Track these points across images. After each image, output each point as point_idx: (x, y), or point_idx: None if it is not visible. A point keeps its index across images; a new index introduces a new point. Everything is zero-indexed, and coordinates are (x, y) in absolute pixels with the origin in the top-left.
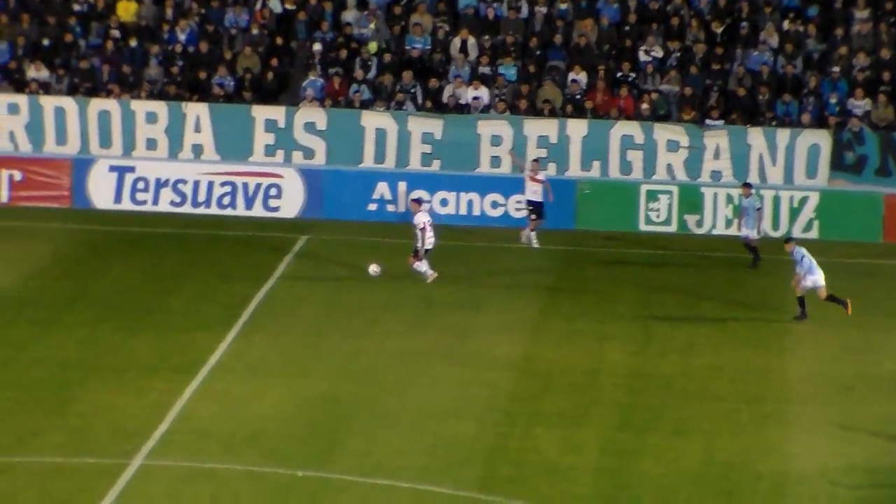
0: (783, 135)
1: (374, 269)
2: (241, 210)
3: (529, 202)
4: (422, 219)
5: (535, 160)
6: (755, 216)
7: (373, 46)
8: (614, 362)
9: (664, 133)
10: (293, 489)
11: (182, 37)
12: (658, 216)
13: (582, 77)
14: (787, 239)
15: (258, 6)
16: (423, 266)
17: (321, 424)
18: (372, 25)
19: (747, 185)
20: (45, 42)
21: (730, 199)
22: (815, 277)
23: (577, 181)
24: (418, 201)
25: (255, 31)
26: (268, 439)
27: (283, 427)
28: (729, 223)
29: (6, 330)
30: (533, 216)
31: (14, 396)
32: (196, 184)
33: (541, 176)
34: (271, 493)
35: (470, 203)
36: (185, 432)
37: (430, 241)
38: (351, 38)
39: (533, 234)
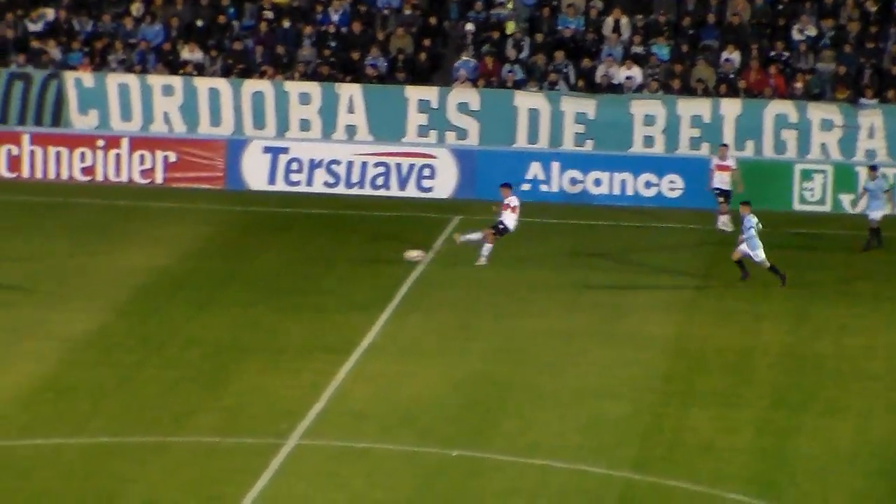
0: None
1: (413, 254)
2: (394, 190)
3: (718, 189)
4: (513, 202)
5: (723, 144)
6: (883, 198)
7: (510, 26)
8: (768, 342)
9: (818, 112)
10: (448, 469)
11: (335, 17)
12: (812, 195)
13: (735, 56)
14: (745, 202)
15: None
16: (486, 250)
17: (475, 405)
18: (509, 5)
19: (873, 168)
20: (199, 23)
21: (884, 178)
22: (756, 251)
23: None
24: (508, 185)
25: (407, 12)
26: (422, 420)
27: (437, 407)
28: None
29: (162, 311)
30: (721, 199)
31: (170, 376)
32: (349, 164)
33: (729, 161)
34: (426, 473)
35: (623, 183)
36: (339, 413)
37: (513, 223)
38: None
39: (726, 217)
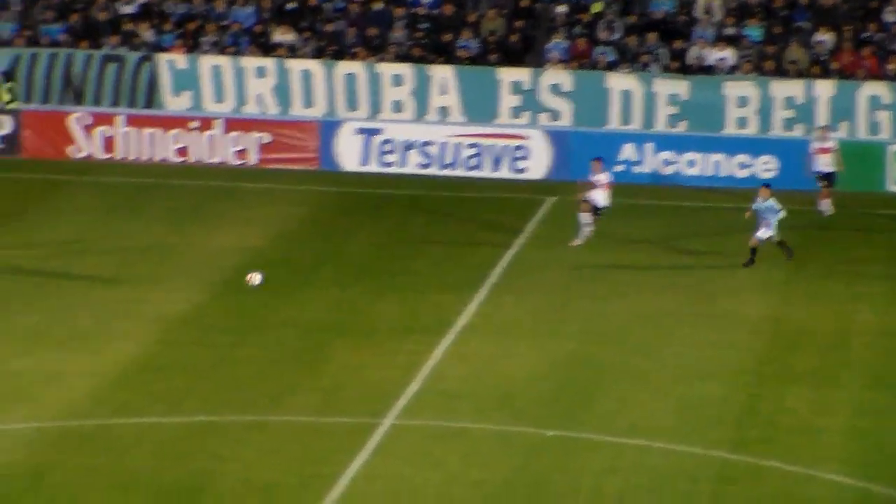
0: None
1: (255, 279)
2: (487, 172)
3: (821, 172)
4: (603, 178)
5: (821, 127)
6: None
7: (596, 7)
8: (864, 322)
9: None
10: (543, 449)
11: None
12: None
13: (828, 38)
14: (767, 184)
15: None
16: (587, 228)
17: (570, 385)
18: None
19: None
20: (291, 5)
21: None
22: (768, 232)
23: None
24: (599, 159)
25: None
26: (517, 400)
27: (532, 388)
28: None
29: (257, 291)
30: (824, 182)
31: (266, 357)
32: (443, 146)
33: (830, 143)
34: (522, 453)
35: (717, 164)
36: (434, 393)
37: (604, 201)
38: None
39: (828, 201)
